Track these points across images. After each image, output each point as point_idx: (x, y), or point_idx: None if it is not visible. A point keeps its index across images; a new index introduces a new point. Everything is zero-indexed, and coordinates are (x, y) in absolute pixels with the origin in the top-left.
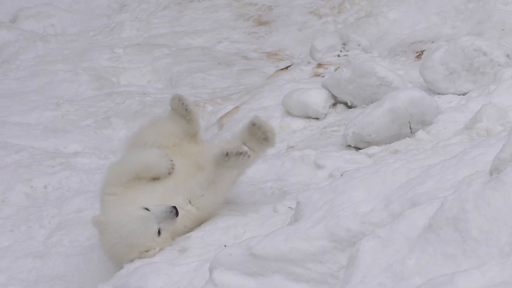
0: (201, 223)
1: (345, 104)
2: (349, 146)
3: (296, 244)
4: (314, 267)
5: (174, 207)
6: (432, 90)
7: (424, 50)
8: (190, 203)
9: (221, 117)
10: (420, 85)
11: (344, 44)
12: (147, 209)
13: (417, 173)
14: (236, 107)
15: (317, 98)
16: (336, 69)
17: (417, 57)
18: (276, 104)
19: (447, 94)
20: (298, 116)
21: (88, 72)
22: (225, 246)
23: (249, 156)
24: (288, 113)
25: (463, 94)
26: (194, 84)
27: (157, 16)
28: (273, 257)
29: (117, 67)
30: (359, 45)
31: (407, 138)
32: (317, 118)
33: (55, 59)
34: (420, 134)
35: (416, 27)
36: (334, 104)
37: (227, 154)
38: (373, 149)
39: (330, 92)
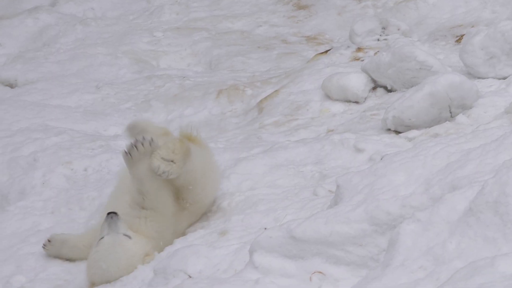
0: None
1: (385, 88)
2: (389, 129)
3: (336, 227)
4: (354, 250)
5: (109, 212)
6: (472, 75)
7: (464, 35)
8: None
9: (260, 101)
10: (460, 70)
11: (383, 28)
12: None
13: (457, 157)
14: (275, 91)
15: (357, 82)
16: (375, 53)
17: (456, 41)
18: (316, 88)
19: (487, 78)
20: (337, 100)
21: (128, 55)
22: (265, 228)
23: (151, 141)
24: (328, 97)
25: (503, 78)
26: (233, 68)
27: (196, 0)
28: (313, 240)
29: (157, 51)
30: (398, 29)
31: (447, 122)
32: (356, 102)
33: (95, 42)
34: (460, 118)
35: (455, 12)
36: (373, 88)
37: (125, 151)
38: (413, 133)
39: (370, 76)
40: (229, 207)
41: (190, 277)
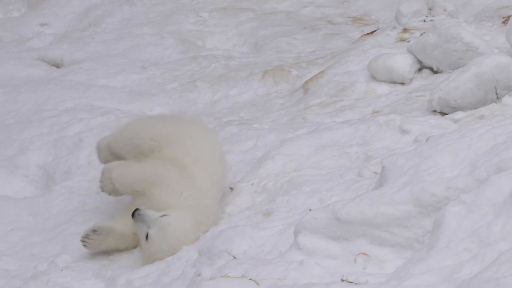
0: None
1: (431, 69)
2: (435, 111)
3: (381, 208)
4: (399, 231)
5: (133, 212)
6: None
7: (511, 16)
8: None
9: (306, 82)
10: (506, 51)
11: (429, 9)
12: None
13: (503, 138)
14: (321, 72)
15: (403, 63)
16: (421, 34)
17: (503, 22)
18: (362, 69)
19: None
20: (383, 81)
21: (174, 35)
22: (310, 210)
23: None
24: (374, 78)
25: None
26: (279, 49)
27: None
28: (358, 221)
29: (203, 31)
30: (444, 10)
31: (493, 103)
32: (402, 83)
33: (141, 22)
34: (506, 99)
35: None
36: (419, 69)
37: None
38: (459, 115)
39: (416, 57)
40: (274, 188)
41: (234, 258)
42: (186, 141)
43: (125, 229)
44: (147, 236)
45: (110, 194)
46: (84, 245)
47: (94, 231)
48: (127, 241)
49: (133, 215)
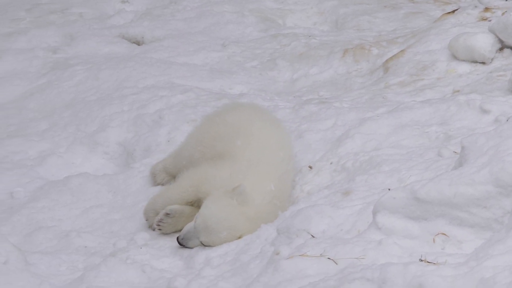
0: None
1: None
2: None
3: (460, 188)
4: (478, 212)
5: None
6: None
7: None
8: None
9: (386, 61)
10: None
11: None
12: None
13: None
14: (401, 51)
15: (484, 42)
16: (503, 13)
17: None
18: (442, 48)
19: None
20: (464, 60)
21: (254, 13)
22: (389, 189)
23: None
24: (454, 57)
25: None
26: (359, 27)
27: None
28: (437, 201)
29: (283, 9)
30: None
31: None
32: (483, 63)
33: (222, 0)
34: None
35: None
36: (500, 49)
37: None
38: None
39: (497, 37)
40: (353, 167)
41: (313, 237)
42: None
43: (196, 210)
44: (202, 243)
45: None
46: (159, 229)
47: (167, 214)
48: None
49: (179, 242)
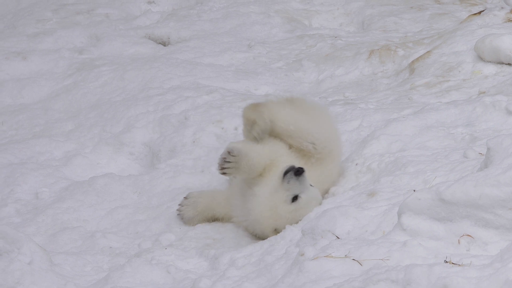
0: None
1: None
2: None
3: (485, 190)
4: (504, 213)
5: (296, 170)
6: None
7: None
8: None
9: (412, 62)
10: None
11: None
12: None
13: None
14: (427, 52)
15: (510, 43)
16: None
17: None
18: (468, 49)
19: None
20: (490, 62)
21: (280, 14)
22: (414, 190)
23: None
24: (480, 58)
25: None
26: (385, 28)
27: None
28: (462, 202)
29: (309, 10)
30: None
31: None
32: (509, 64)
33: (248, 1)
34: None
35: None
36: None
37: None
38: None
39: None
40: (378, 168)
41: (337, 238)
42: None
43: (261, 157)
44: (295, 197)
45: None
46: (224, 172)
47: (229, 152)
48: (258, 170)
49: (297, 172)
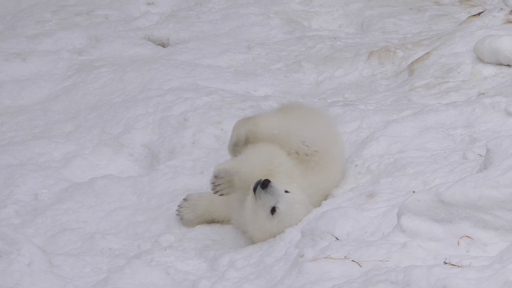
0: None
1: None
2: None
3: (485, 191)
4: (503, 214)
5: (262, 183)
6: None
7: None
8: None
9: (411, 63)
10: None
11: None
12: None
13: None
14: (427, 53)
15: (509, 44)
16: None
17: None
18: (468, 50)
19: None
20: (489, 63)
21: (280, 15)
22: (413, 192)
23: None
24: (480, 59)
25: None
26: (385, 29)
27: None
28: (462, 203)
29: (309, 11)
30: None
31: None
32: (508, 65)
33: (247, 2)
34: None
35: None
36: None
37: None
38: None
39: None
40: (377, 169)
41: (337, 239)
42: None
43: (254, 170)
44: (273, 209)
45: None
46: (220, 194)
47: (216, 176)
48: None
49: (263, 184)
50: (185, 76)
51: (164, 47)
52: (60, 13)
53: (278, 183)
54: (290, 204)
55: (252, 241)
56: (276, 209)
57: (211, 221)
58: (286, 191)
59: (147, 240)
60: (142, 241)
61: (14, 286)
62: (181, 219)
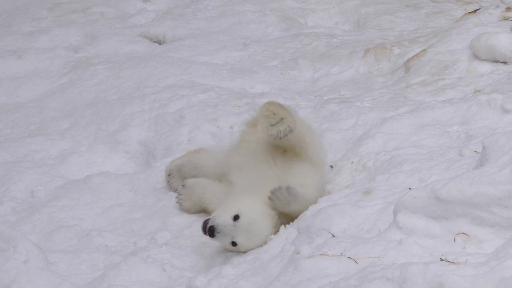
0: None
1: None
2: None
3: (481, 188)
4: (499, 211)
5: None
6: None
7: None
8: None
9: (407, 60)
10: None
11: None
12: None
13: None
14: (423, 50)
15: (505, 41)
16: None
17: None
18: (464, 47)
19: None
20: (485, 60)
21: (276, 13)
22: (409, 189)
23: None
24: (476, 56)
25: None
26: (381, 27)
27: None
28: (458, 200)
29: (305, 8)
30: None
31: None
32: (504, 62)
33: None
34: None
35: None
36: None
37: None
38: None
39: None
40: (374, 166)
41: (333, 236)
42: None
43: (212, 183)
44: (233, 243)
45: (286, 128)
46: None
47: (183, 185)
48: (214, 196)
49: (206, 231)
50: (181, 73)
51: (160, 44)
52: (56, 11)
53: (222, 215)
54: (246, 231)
55: None
56: (235, 243)
57: (205, 210)
58: (236, 216)
59: (143, 237)
60: (138, 238)
61: (10, 283)
62: (179, 206)
